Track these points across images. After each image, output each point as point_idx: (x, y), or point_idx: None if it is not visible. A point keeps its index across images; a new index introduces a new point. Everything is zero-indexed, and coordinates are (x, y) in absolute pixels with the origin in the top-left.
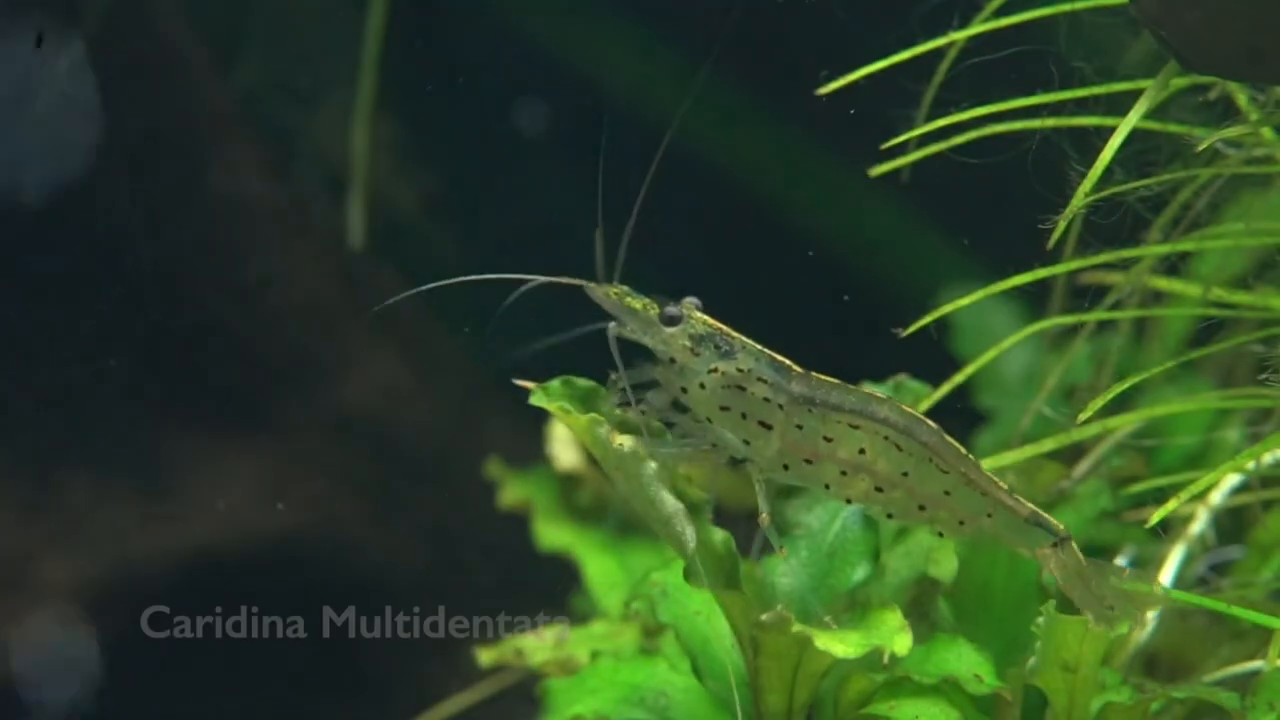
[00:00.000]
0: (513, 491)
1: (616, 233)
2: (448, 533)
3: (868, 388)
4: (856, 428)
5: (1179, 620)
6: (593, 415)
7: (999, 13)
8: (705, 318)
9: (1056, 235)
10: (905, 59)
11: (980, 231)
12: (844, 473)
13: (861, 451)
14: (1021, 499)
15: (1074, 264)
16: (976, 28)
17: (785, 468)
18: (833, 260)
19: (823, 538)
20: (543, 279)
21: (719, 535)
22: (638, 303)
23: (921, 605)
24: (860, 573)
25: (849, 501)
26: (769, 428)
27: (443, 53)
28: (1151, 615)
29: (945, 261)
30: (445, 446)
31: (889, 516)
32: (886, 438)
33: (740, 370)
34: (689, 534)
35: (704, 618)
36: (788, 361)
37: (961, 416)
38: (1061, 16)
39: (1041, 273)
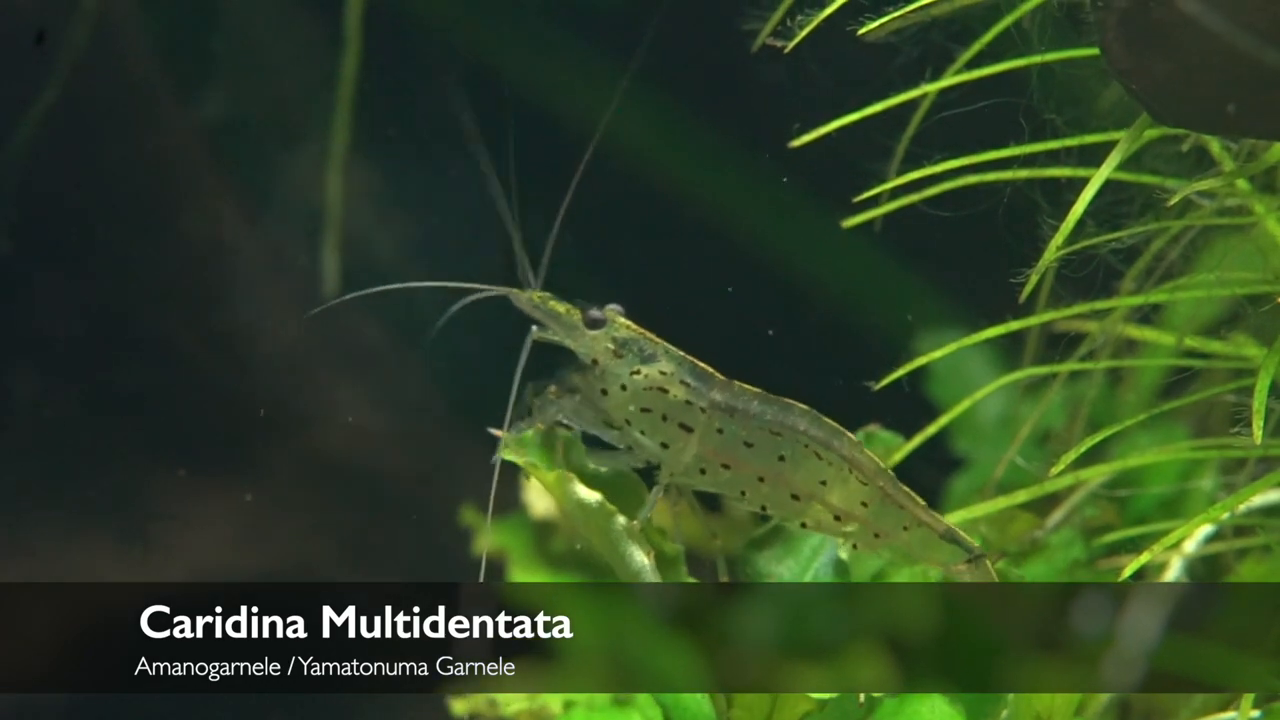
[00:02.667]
0: (487, 539)
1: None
2: (423, 578)
3: None
4: (777, 434)
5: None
6: (561, 471)
7: (970, 65)
8: (628, 322)
9: (1029, 289)
10: (879, 111)
11: (955, 278)
12: (761, 479)
13: (781, 459)
14: (938, 515)
15: (1047, 315)
16: (948, 80)
17: (702, 472)
18: (807, 306)
19: (795, 588)
20: (466, 285)
21: (691, 588)
22: (561, 307)
23: (894, 655)
24: (833, 622)
25: (763, 510)
26: (689, 430)
27: (418, 98)
28: None
29: (921, 306)
30: (421, 492)
31: (803, 525)
32: (806, 446)
33: (662, 373)
34: (658, 589)
35: (677, 670)
36: (709, 369)
37: (936, 462)
38: (1033, 69)
39: (1015, 325)
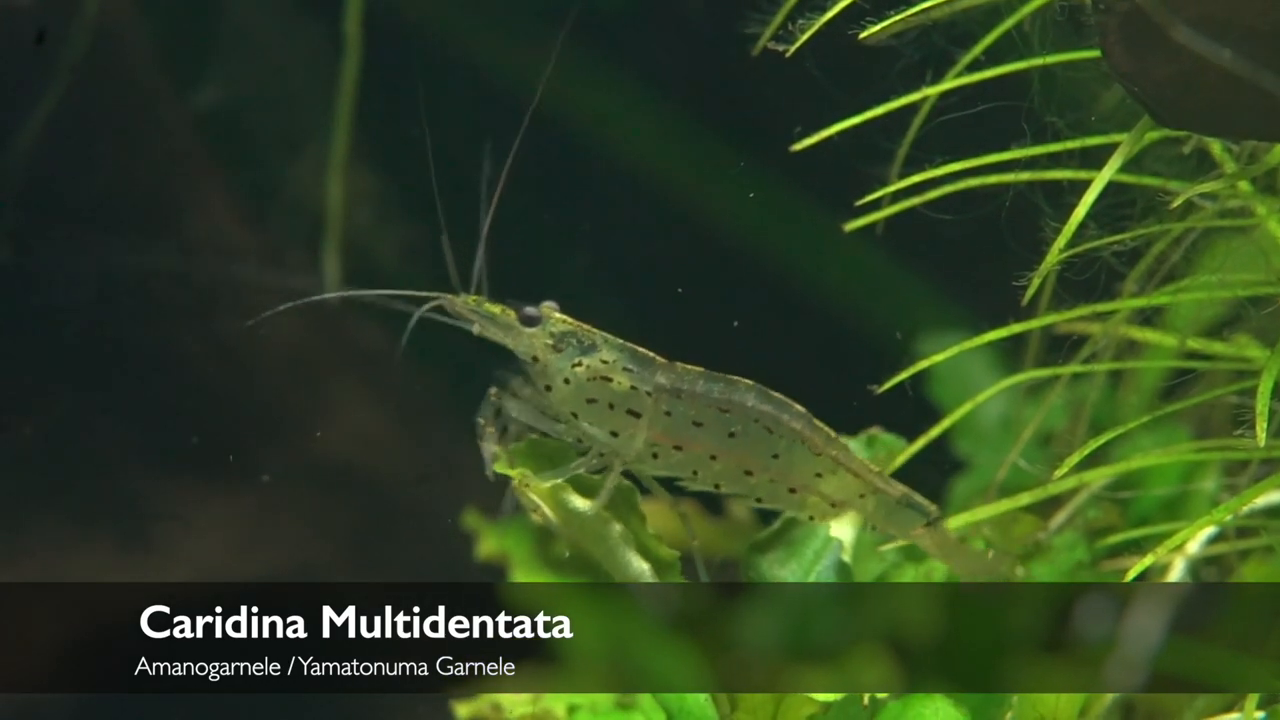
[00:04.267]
0: (490, 543)
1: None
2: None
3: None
4: (726, 411)
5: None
6: (554, 482)
7: (971, 68)
8: (564, 317)
9: (1030, 293)
10: (880, 114)
11: (957, 281)
12: (713, 457)
13: (731, 435)
14: (893, 481)
15: (1049, 318)
16: (949, 83)
17: (654, 456)
18: (809, 309)
19: (798, 591)
20: (401, 294)
21: (690, 592)
22: (495, 308)
23: (897, 658)
24: (836, 625)
25: (717, 488)
26: (637, 416)
27: (420, 102)
28: None
29: (922, 309)
30: (423, 495)
31: (757, 501)
32: (756, 421)
33: (604, 362)
34: (658, 594)
35: (680, 673)
36: (650, 353)
37: (937, 464)
38: (1034, 71)
39: (1016, 328)
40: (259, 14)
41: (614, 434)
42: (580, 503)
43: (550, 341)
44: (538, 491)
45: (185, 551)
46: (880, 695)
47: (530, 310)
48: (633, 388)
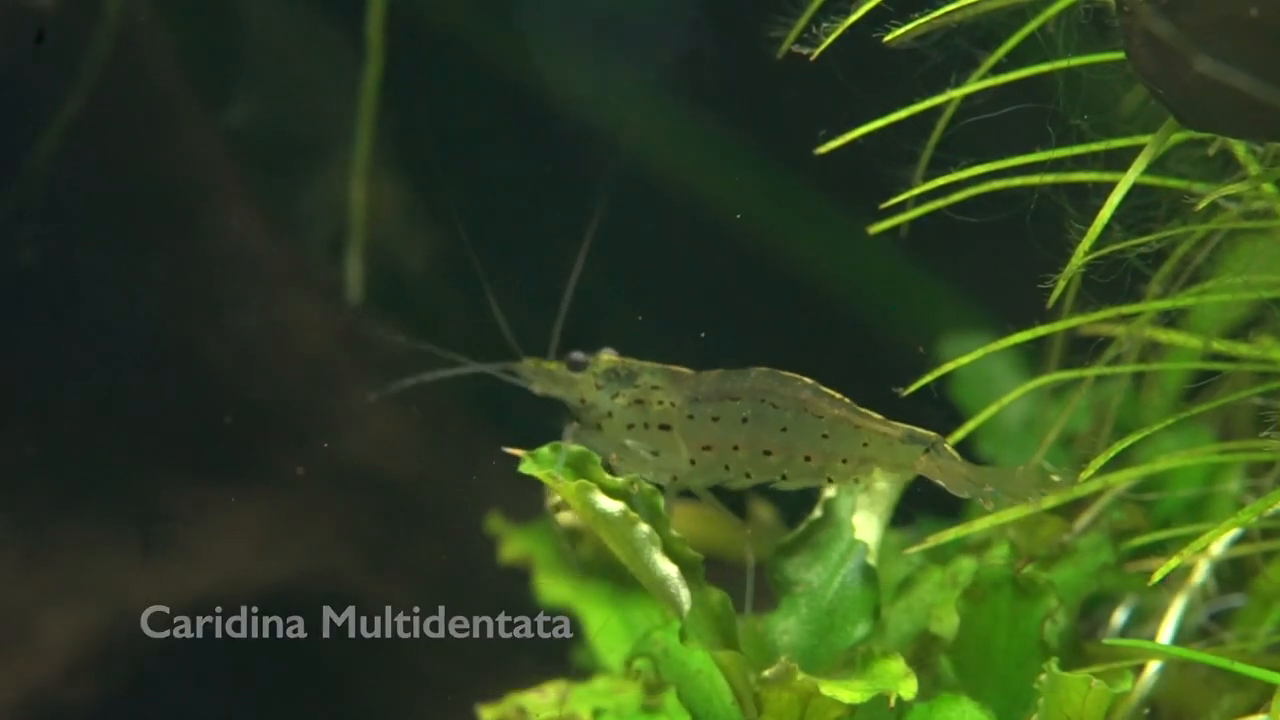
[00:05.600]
0: (513, 546)
1: None
2: (448, 586)
3: None
4: (735, 399)
5: (1180, 670)
6: (582, 481)
7: (995, 71)
8: (611, 358)
9: (1055, 295)
10: (904, 117)
11: (981, 283)
12: (736, 447)
13: (744, 421)
14: (893, 422)
15: (1074, 320)
16: (973, 85)
17: (693, 463)
18: (834, 312)
19: (823, 594)
20: (471, 367)
21: (715, 595)
22: (551, 365)
23: (923, 661)
24: (861, 629)
25: (748, 476)
26: (668, 429)
27: (446, 110)
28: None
29: (946, 311)
30: (446, 499)
31: (783, 479)
32: (762, 401)
33: (638, 387)
34: (684, 596)
35: (705, 676)
36: (684, 370)
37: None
38: (1058, 74)
39: (1041, 330)
40: (281, 17)
41: (656, 453)
42: (607, 503)
43: (596, 382)
44: (565, 492)
45: (207, 554)
46: (906, 698)
47: (576, 356)
48: (660, 404)
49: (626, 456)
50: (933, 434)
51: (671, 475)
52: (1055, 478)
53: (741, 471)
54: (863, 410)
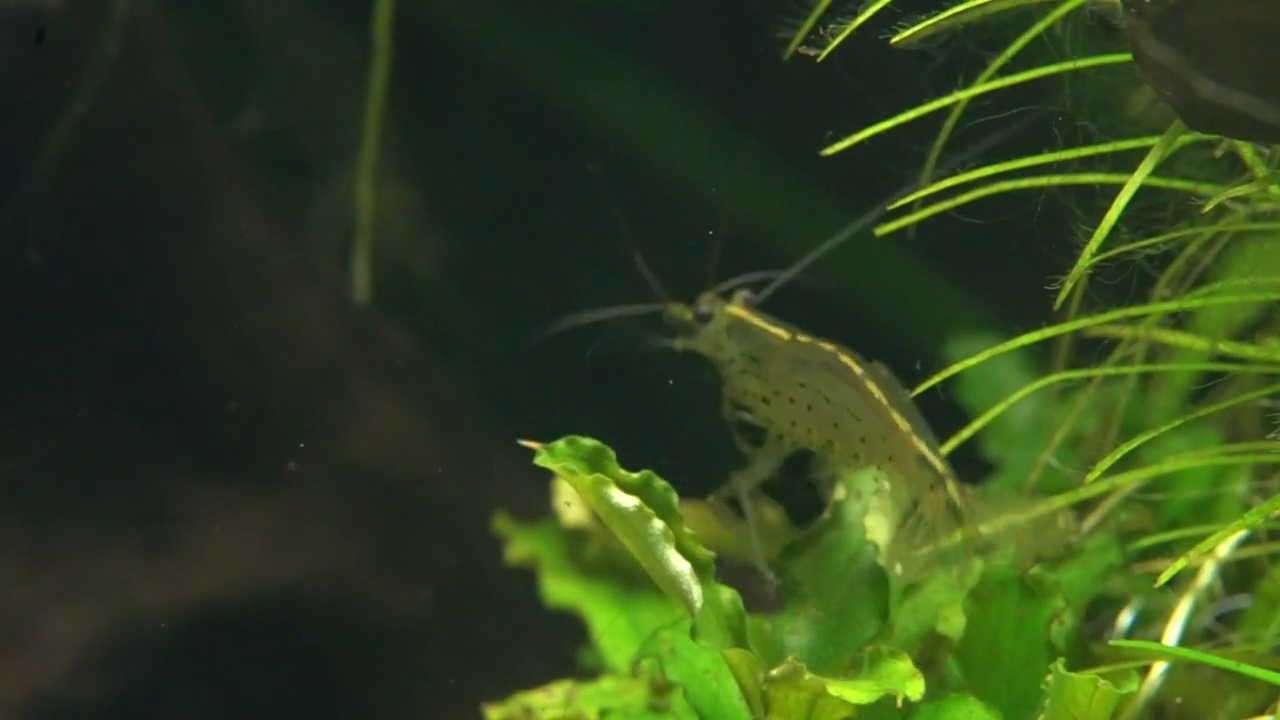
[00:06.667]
0: (520, 546)
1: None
2: (455, 586)
3: None
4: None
5: (1187, 671)
6: (598, 475)
7: (1002, 72)
8: (736, 309)
9: (1063, 296)
10: (911, 118)
11: (988, 284)
12: (793, 400)
13: (801, 386)
14: (922, 440)
15: (1081, 321)
16: (980, 87)
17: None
18: (841, 312)
19: (831, 595)
20: (622, 311)
21: (726, 594)
22: (687, 313)
23: (930, 662)
24: (869, 630)
25: (794, 434)
26: (763, 379)
27: (455, 113)
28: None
29: (954, 312)
30: (452, 499)
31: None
32: (822, 365)
33: (753, 342)
34: (695, 594)
35: (713, 676)
36: (792, 329)
37: (967, 466)
38: (1065, 75)
39: (1049, 331)
40: (288, 19)
41: (766, 400)
42: (622, 498)
43: (722, 335)
44: (580, 485)
45: (214, 554)
46: (914, 698)
47: (702, 309)
48: (754, 359)
49: (756, 413)
50: (943, 469)
51: (780, 434)
52: (1060, 523)
53: (805, 427)
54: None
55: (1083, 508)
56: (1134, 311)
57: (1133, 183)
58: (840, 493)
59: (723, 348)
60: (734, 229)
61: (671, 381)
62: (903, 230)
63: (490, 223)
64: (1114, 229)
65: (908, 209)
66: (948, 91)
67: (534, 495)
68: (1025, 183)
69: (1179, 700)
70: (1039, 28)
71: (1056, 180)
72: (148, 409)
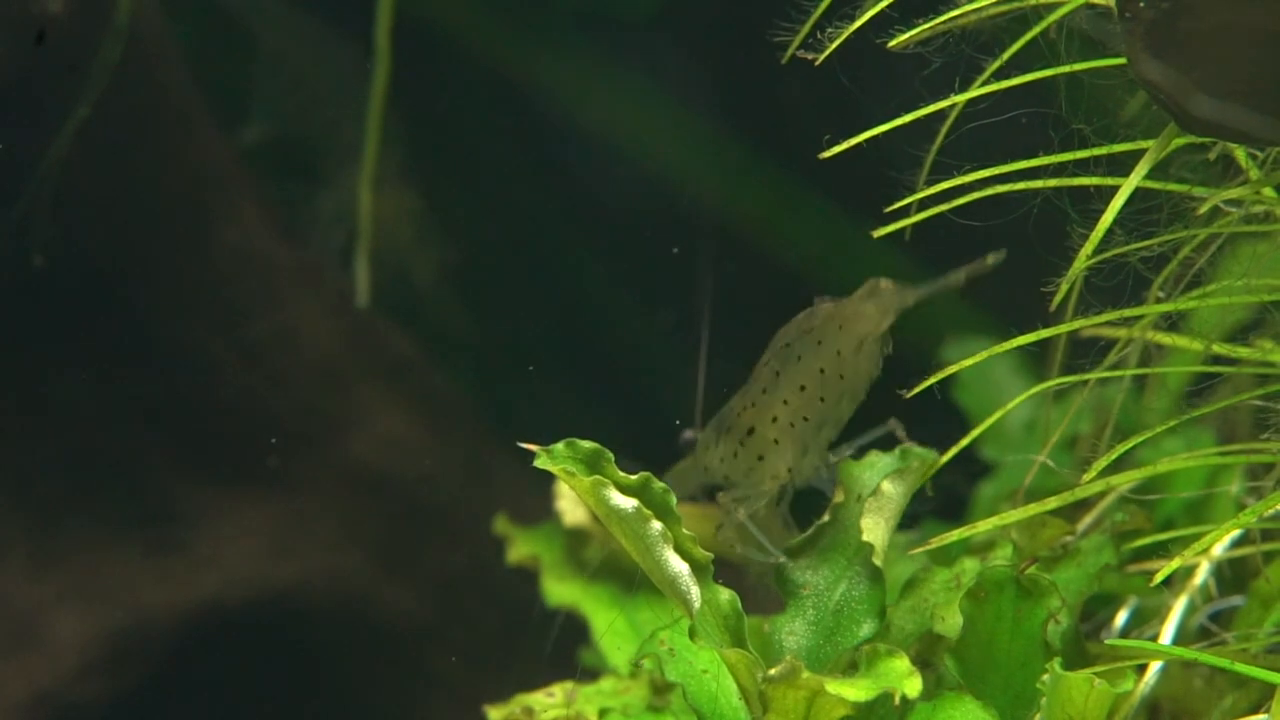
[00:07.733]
0: (520, 548)
1: None
2: (455, 587)
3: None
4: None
5: (1182, 670)
6: (596, 477)
7: (998, 76)
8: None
9: (1058, 298)
10: (907, 121)
11: (983, 286)
12: (802, 386)
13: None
14: None
15: (1076, 323)
16: (976, 90)
17: (792, 425)
18: None
19: (829, 596)
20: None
21: (724, 595)
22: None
23: (927, 661)
24: (866, 630)
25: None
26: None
27: (455, 118)
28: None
29: (950, 315)
30: (453, 501)
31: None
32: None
33: (730, 428)
34: (694, 594)
35: (712, 676)
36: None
37: (962, 468)
38: (1060, 78)
39: (1044, 333)
40: (290, 25)
41: (761, 458)
42: (621, 500)
43: (707, 448)
44: (579, 486)
45: (217, 556)
46: (911, 696)
47: (687, 436)
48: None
49: (759, 480)
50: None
51: (774, 477)
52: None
53: (802, 414)
54: None
55: (1079, 508)
56: (1129, 313)
57: (1128, 185)
58: (839, 495)
59: (709, 470)
60: (733, 229)
61: (671, 382)
62: (899, 232)
63: (491, 227)
64: (1109, 231)
65: (904, 211)
66: (943, 95)
67: (535, 497)
68: (1021, 185)
69: (1174, 699)
70: (1034, 31)
71: (1052, 183)
72: (151, 411)
